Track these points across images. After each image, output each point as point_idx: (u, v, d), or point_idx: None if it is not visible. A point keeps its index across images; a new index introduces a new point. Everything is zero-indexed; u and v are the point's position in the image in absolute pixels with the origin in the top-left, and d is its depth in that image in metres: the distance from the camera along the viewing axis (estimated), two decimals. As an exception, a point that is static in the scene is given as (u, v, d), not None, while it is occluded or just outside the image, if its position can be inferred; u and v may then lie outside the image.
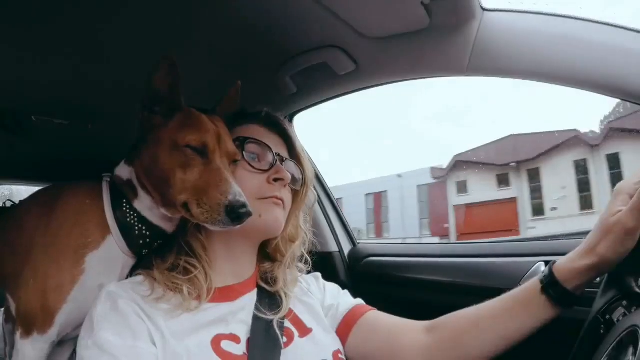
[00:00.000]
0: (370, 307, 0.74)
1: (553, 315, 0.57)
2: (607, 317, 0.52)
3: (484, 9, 0.70)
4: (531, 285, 0.59)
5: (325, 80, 0.91)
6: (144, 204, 0.64)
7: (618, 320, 0.50)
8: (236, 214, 0.54)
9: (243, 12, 0.70)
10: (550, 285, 0.56)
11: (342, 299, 0.75)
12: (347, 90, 0.98)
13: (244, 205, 0.54)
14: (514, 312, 0.59)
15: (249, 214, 0.54)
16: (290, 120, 1.10)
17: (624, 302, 0.51)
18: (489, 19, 0.70)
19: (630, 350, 0.40)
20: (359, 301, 0.75)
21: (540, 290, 0.57)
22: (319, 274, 0.81)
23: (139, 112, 0.61)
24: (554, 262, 0.58)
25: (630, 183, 0.54)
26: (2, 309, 0.79)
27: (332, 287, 0.79)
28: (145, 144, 0.62)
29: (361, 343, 0.69)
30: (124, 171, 0.66)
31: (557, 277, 0.56)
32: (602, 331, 0.52)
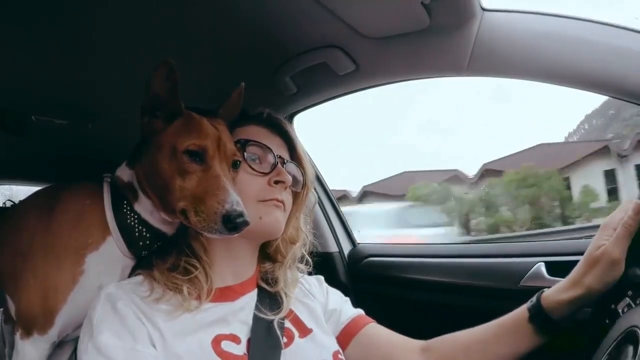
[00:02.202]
0: (370, 319, 0.74)
1: (539, 342, 0.59)
2: (612, 307, 0.52)
3: (484, 9, 0.69)
4: (519, 313, 0.61)
5: (325, 80, 0.91)
6: (144, 207, 0.64)
7: (623, 312, 0.50)
8: (233, 223, 0.53)
9: (243, 12, 0.70)
10: (537, 314, 0.58)
11: (344, 307, 0.76)
12: (347, 90, 0.98)
13: (240, 215, 0.53)
14: (502, 338, 0.61)
15: (245, 224, 0.54)
16: (290, 120, 1.10)
17: (630, 292, 0.51)
18: (489, 19, 0.70)
19: (631, 350, 0.40)
20: (360, 311, 0.76)
21: (528, 319, 0.59)
22: (322, 277, 0.81)
23: (139, 117, 0.61)
24: (542, 291, 0.60)
25: (615, 218, 0.56)
26: (1, 309, 0.79)
27: (335, 293, 0.79)
28: (146, 148, 0.62)
29: (359, 355, 0.70)
30: (125, 173, 0.66)
31: (544, 307, 0.58)
32: (607, 321, 0.52)
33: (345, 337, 0.71)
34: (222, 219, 0.53)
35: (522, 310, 0.60)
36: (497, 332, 0.62)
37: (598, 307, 0.56)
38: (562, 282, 0.58)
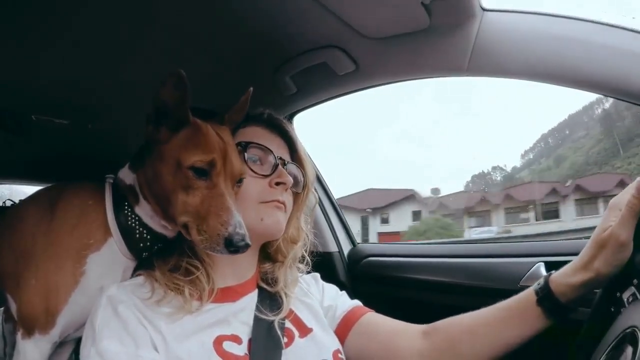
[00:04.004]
0: (368, 309, 0.74)
1: (546, 325, 0.58)
2: (618, 294, 0.52)
3: (484, 9, 0.69)
4: (526, 295, 0.60)
5: (325, 80, 0.91)
6: (145, 211, 0.63)
7: (628, 301, 0.50)
8: (235, 247, 0.53)
9: (243, 12, 0.70)
10: (546, 297, 0.57)
11: (340, 300, 0.75)
12: (347, 90, 0.98)
13: (243, 238, 0.53)
14: (508, 321, 0.60)
15: (247, 246, 0.54)
16: (290, 120, 1.10)
17: (635, 281, 0.50)
18: (489, 19, 0.70)
19: (630, 352, 0.40)
20: (357, 302, 0.76)
21: (536, 302, 0.58)
22: (317, 275, 0.81)
23: (140, 118, 0.60)
24: (550, 274, 0.59)
25: (622, 198, 0.54)
26: (2, 309, 0.79)
27: (331, 288, 0.79)
28: (149, 155, 0.61)
29: (359, 344, 0.69)
30: (127, 176, 0.65)
31: (552, 290, 0.57)
32: (612, 309, 0.52)
33: (343, 328, 0.71)
34: (225, 241, 0.53)
35: (529, 293, 0.59)
36: (503, 315, 0.61)
37: (604, 294, 0.56)
38: (570, 265, 0.57)
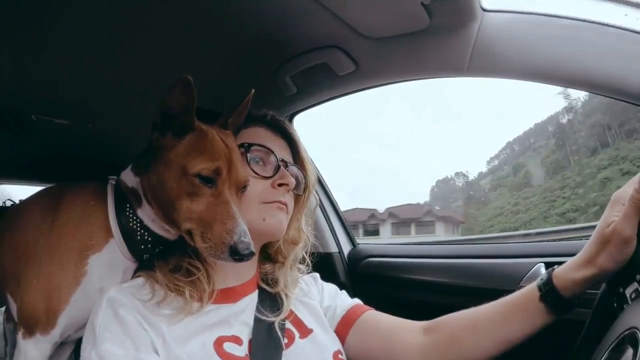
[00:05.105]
0: (368, 307, 0.74)
1: (549, 321, 0.58)
2: (620, 290, 0.52)
3: (484, 10, 0.69)
4: (529, 291, 0.59)
5: (325, 80, 0.91)
6: (147, 214, 0.63)
7: (631, 297, 0.49)
8: (239, 255, 0.53)
9: (243, 12, 0.70)
10: (549, 293, 0.57)
11: (339, 300, 0.76)
12: (347, 90, 0.97)
13: (247, 247, 0.53)
14: (511, 317, 0.60)
15: (252, 254, 0.54)
16: (290, 120, 1.10)
17: (638, 276, 0.50)
18: (489, 19, 0.70)
19: (630, 352, 0.40)
20: (357, 301, 0.76)
21: (539, 297, 0.57)
22: (317, 275, 0.81)
23: (138, 117, 0.60)
24: (553, 269, 0.59)
25: (625, 192, 0.53)
26: (2, 309, 0.79)
27: (330, 288, 0.79)
28: (153, 160, 0.60)
29: (359, 342, 0.69)
30: (129, 178, 0.65)
31: (556, 285, 0.56)
32: (615, 304, 0.52)
33: (343, 327, 0.71)
34: (229, 249, 0.53)
35: (532, 289, 0.59)
36: (506, 311, 0.60)
37: (607, 290, 0.55)
38: (574, 261, 0.57)
